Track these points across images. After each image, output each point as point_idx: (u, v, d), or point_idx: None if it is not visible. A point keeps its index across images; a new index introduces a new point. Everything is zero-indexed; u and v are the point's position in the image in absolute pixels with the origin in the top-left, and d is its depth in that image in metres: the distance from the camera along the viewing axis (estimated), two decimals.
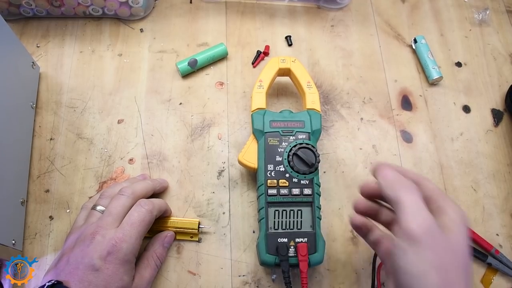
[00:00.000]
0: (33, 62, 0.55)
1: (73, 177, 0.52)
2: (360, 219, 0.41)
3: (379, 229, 0.40)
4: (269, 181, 0.47)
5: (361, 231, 0.42)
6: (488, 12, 0.65)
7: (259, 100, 0.51)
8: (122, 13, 0.60)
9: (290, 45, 0.62)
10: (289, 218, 0.46)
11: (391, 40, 0.64)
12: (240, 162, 0.49)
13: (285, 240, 0.45)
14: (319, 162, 0.47)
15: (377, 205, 0.41)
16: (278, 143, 0.48)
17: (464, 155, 0.56)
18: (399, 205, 0.32)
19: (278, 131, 0.49)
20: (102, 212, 0.44)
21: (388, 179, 0.35)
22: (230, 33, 0.62)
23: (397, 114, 0.58)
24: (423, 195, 0.34)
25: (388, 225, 0.40)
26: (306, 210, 0.46)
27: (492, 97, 0.60)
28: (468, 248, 0.32)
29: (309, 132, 0.49)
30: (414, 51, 0.62)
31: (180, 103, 0.57)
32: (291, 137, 0.48)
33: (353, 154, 0.55)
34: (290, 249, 0.44)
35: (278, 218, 0.46)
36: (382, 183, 0.35)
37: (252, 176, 0.53)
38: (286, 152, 0.48)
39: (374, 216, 0.41)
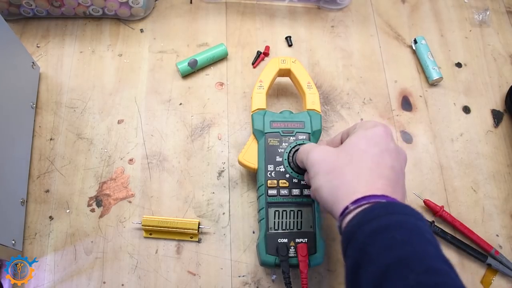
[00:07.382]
0: (33, 62, 0.55)
1: (73, 177, 0.52)
2: None
3: None
4: (269, 181, 0.47)
5: None
6: (488, 13, 0.66)
7: (259, 101, 0.51)
8: (122, 13, 0.60)
9: (290, 45, 0.62)
10: (289, 218, 0.46)
11: (391, 40, 0.64)
12: (240, 163, 0.49)
13: (285, 240, 0.45)
14: None
15: None
16: (278, 143, 0.48)
17: (464, 156, 0.56)
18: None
19: (278, 132, 0.49)
20: None
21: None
22: (230, 34, 0.62)
23: (397, 115, 0.58)
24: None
25: None
26: (306, 211, 0.46)
27: (492, 98, 0.60)
28: (371, 139, 0.36)
29: (309, 133, 0.49)
30: (414, 52, 0.62)
31: (180, 104, 0.57)
32: (291, 138, 0.48)
33: None
34: (290, 250, 0.44)
35: (278, 218, 0.46)
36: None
37: (252, 176, 0.53)
38: (286, 152, 0.48)
39: None
